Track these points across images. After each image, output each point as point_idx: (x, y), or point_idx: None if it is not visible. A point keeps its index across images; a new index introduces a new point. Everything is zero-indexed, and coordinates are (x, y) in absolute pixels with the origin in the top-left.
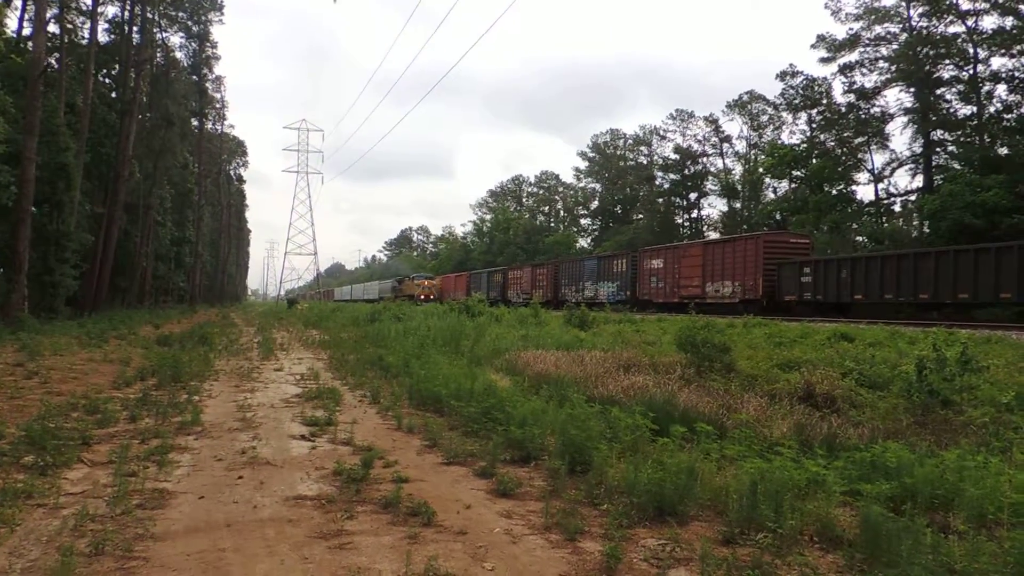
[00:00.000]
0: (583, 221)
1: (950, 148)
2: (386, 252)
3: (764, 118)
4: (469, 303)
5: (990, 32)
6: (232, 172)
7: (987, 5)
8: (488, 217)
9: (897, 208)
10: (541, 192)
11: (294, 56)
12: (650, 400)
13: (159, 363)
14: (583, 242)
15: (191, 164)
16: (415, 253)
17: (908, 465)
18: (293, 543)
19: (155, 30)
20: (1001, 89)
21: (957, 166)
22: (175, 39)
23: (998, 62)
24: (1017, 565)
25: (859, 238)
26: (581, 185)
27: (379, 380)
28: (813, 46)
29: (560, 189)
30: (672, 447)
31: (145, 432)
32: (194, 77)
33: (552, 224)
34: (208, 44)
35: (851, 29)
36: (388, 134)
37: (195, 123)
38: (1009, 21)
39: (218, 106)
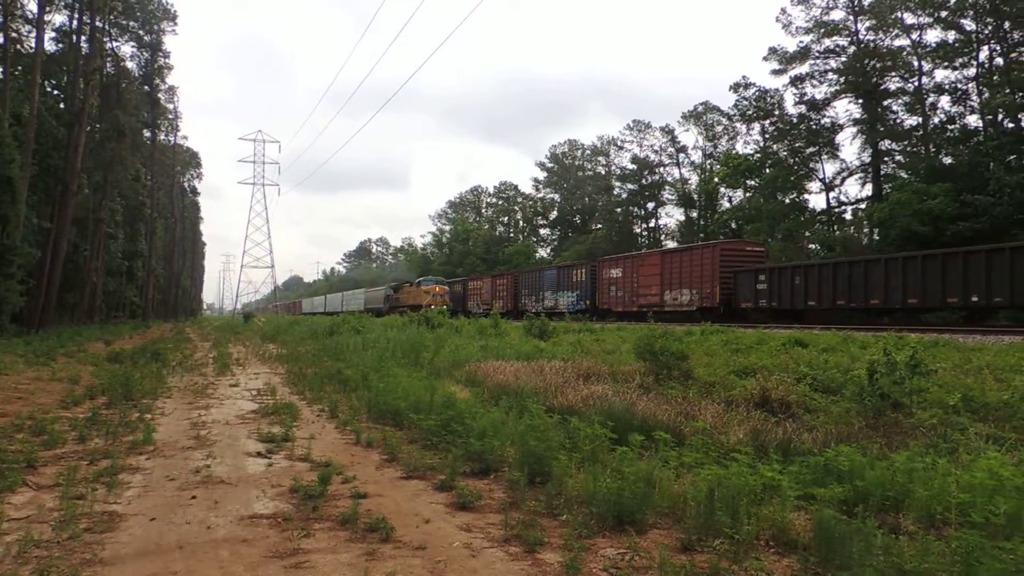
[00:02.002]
0: (542, 231)
1: (897, 158)
2: (345, 264)
3: (719, 128)
4: (429, 314)
5: (934, 46)
6: (186, 184)
7: (930, 20)
8: (447, 228)
9: (848, 216)
10: (500, 203)
11: (249, 67)
12: (609, 409)
13: (109, 381)
14: (542, 252)
15: (143, 176)
16: (374, 265)
17: (860, 468)
18: (248, 564)
19: (105, 39)
20: (944, 100)
21: (904, 175)
22: (126, 49)
23: (941, 74)
24: (964, 564)
25: (812, 245)
26: (540, 195)
27: (338, 394)
28: (765, 58)
29: (519, 199)
30: (631, 456)
31: (94, 453)
32: (146, 87)
33: (511, 234)
34: (160, 54)
35: (801, 42)
36: (344, 145)
37: (147, 134)
38: (951, 35)
39: (171, 117)
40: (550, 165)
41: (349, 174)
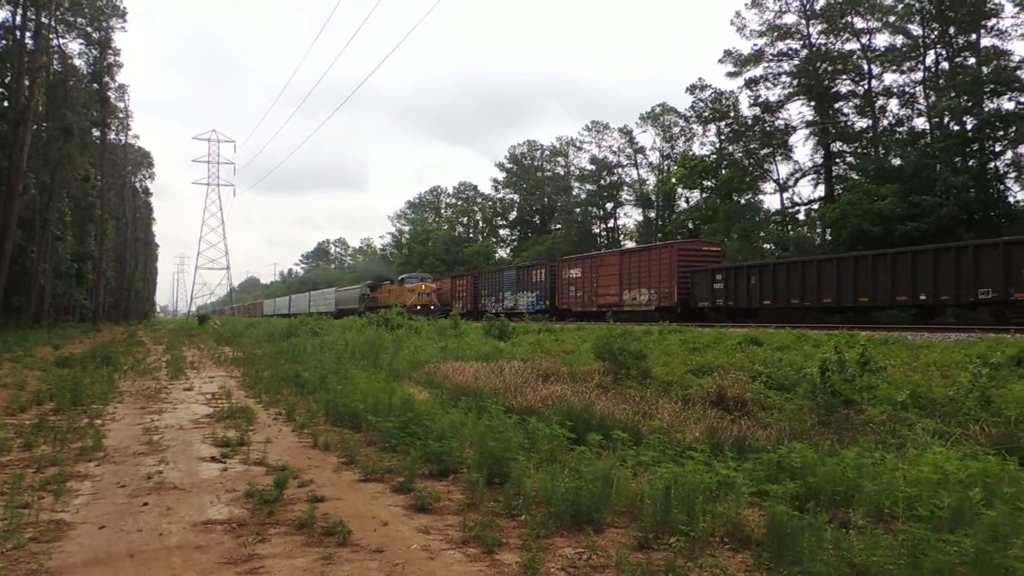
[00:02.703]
0: (502, 231)
1: (848, 159)
2: (303, 265)
3: (676, 130)
4: (388, 315)
5: (882, 50)
6: (138, 185)
7: (879, 24)
8: (407, 228)
9: (801, 216)
10: (459, 203)
11: (201, 66)
12: (568, 409)
13: (58, 386)
14: (502, 252)
15: (93, 176)
16: (332, 266)
17: (812, 464)
18: (201, 570)
19: (51, 36)
20: (893, 103)
21: (855, 176)
22: (74, 46)
23: (890, 78)
24: (910, 556)
25: (767, 245)
26: (499, 196)
27: (295, 397)
28: (721, 61)
29: (478, 200)
30: (589, 455)
31: (41, 460)
32: (95, 85)
33: (471, 235)
34: (110, 51)
35: (756, 45)
36: (301, 146)
37: (96, 133)
38: (899, 40)
39: (122, 116)
40: (509, 166)
41: (306, 175)
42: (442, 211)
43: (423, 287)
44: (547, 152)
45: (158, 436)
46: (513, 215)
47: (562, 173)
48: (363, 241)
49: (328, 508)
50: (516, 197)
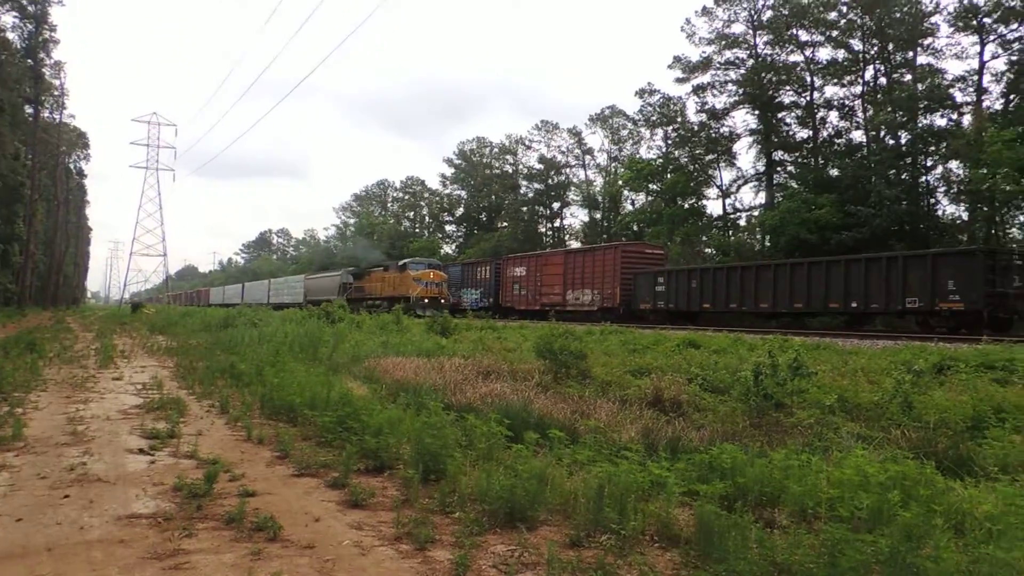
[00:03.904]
0: (448, 227)
1: (789, 168)
2: (243, 255)
3: (624, 133)
4: (329, 308)
5: (824, 63)
6: (72, 165)
7: (822, 38)
8: (352, 221)
9: (742, 222)
10: (406, 197)
11: (145, 46)
12: (507, 407)
13: None
14: (448, 248)
15: (23, 155)
16: (275, 256)
17: (741, 465)
18: (123, 566)
19: None
20: (833, 116)
21: (795, 185)
22: (7, 19)
23: (831, 91)
24: (830, 555)
25: (708, 250)
26: (447, 191)
27: (230, 389)
28: (670, 66)
29: (426, 195)
30: (526, 454)
31: None
32: (29, 61)
33: (417, 230)
34: (46, 26)
35: (704, 53)
36: (245, 134)
37: (29, 111)
38: (841, 54)
39: (57, 94)
40: (458, 162)
41: (249, 163)
42: (388, 204)
43: (432, 276)
44: (496, 150)
45: (83, 426)
46: (460, 211)
47: (510, 171)
48: (307, 232)
49: (259, 503)
50: (463, 193)
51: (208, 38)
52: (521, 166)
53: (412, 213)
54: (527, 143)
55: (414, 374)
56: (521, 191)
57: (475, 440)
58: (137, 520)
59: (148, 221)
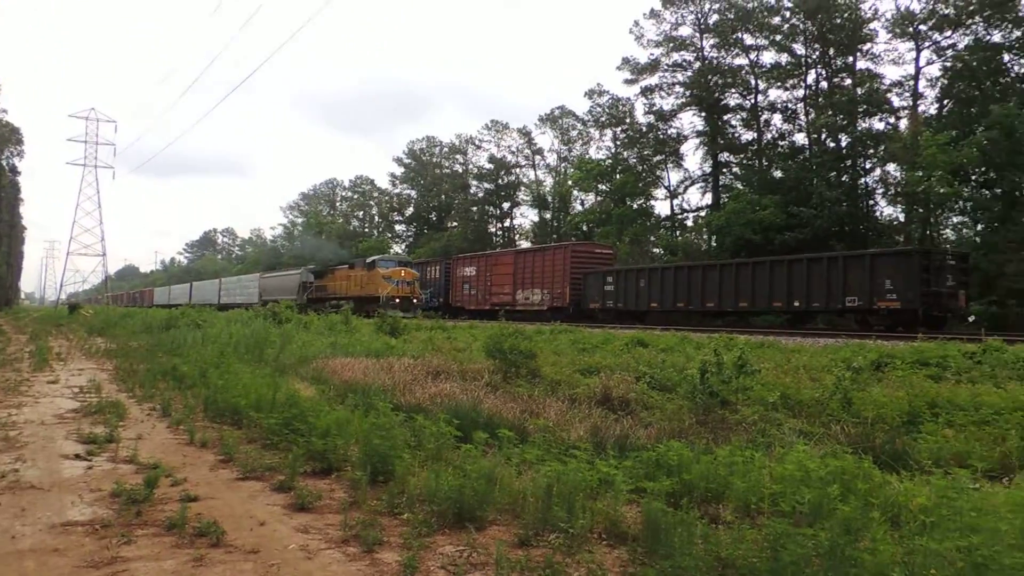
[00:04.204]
0: (397, 227)
1: (734, 169)
2: (187, 254)
3: (574, 133)
4: (276, 309)
5: (768, 66)
6: (4, 162)
7: (767, 42)
8: (300, 220)
9: (689, 223)
10: (356, 196)
11: (85, 41)
12: (456, 407)
13: None
14: (397, 248)
15: None
16: (220, 256)
17: (687, 462)
18: (57, 575)
19: None
20: (777, 118)
21: (740, 186)
22: None
23: (775, 94)
24: (772, 549)
25: (656, 250)
26: (396, 191)
27: (172, 392)
28: (619, 68)
29: (375, 194)
30: (475, 453)
31: None
32: None
33: (366, 229)
34: None
35: (652, 55)
36: (188, 131)
37: None
38: (784, 58)
39: None
40: (407, 161)
41: (193, 161)
42: (337, 204)
43: (403, 274)
44: (446, 149)
45: (16, 432)
46: (410, 211)
47: (460, 171)
48: (253, 231)
49: (202, 508)
50: (413, 193)
51: (151, 33)
52: (471, 166)
53: (361, 212)
54: (477, 143)
55: (363, 375)
56: (471, 191)
57: (424, 440)
58: (73, 528)
59: (86, 220)
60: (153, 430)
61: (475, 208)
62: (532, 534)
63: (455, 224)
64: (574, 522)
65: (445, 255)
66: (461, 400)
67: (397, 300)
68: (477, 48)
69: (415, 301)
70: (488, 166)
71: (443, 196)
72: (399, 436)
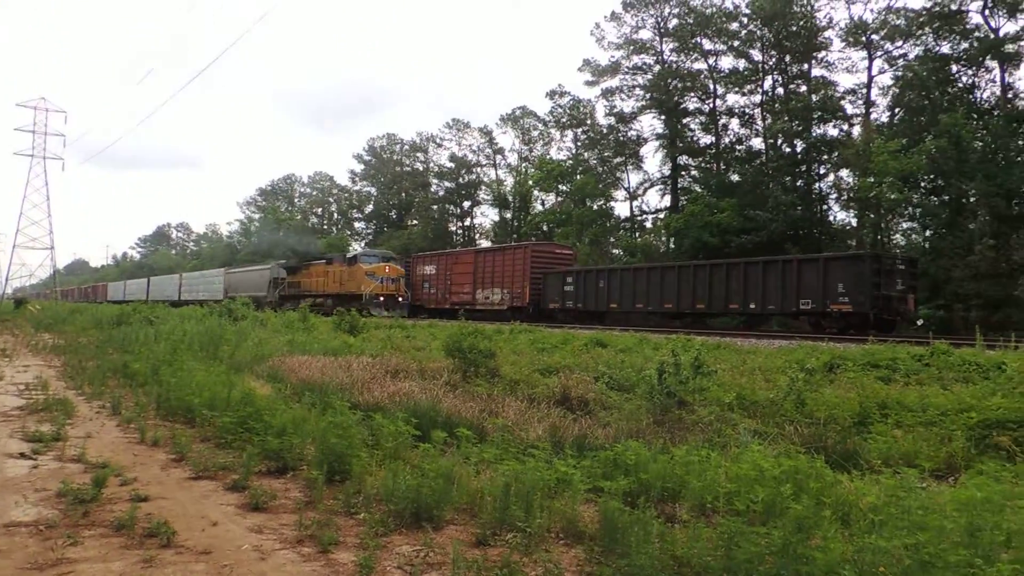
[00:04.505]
0: (357, 224)
1: (693, 172)
2: (139, 249)
3: (535, 133)
4: (232, 306)
5: (727, 72)
6: None
7: (725, 48)
8: (257, 216)
9: (648, 224)
10: (314, 193)
11: (36, 30)
12: (415, 406)
13: None
14: (357, 246)
15: None
16: (173, 251)
17: (644, 462)
18: None
19: None
20: (734, 123)
21: (698, 189)
22: None
23: (732, 98)
24: (726, 547)
25: (616, 251)
26: (356, 188)
27: (122, 389)
28: (580, 69)
29: (334, 191)
30: (433, 453)
31: None
32: None
33: (325, 226)
34: None
35: (613, 57)
36: (141, 123)
37: None
38: (742, 64)
39: None
40: (367, 158)
41: (147, 154)
42: (295, 200)
43: (388, 270)
44: (407, 147)
45: None
46: (370, 208)
47: (421, 169)
48: (208, 227)
49: (152, 508)
50: (373, 190)
51: (108, 24)
52: (432, 164)
53: (320, 209)
54: (438, 141)
55: (320, 373)
56: (432, 189)
57: (382, 439)
58: (16, 529)
59: (34, 212)
60: (102, 428)
61: (436, 207)
62: (490, 533)
63: (415, 222)
64: (532, 521)
65: (405, 253)
66: (420, 399)
67: (381, 298)
68: (439, 46)
69: (400, 299)
70: (449, 165)
71: (403, 194)
72: (356, 435)
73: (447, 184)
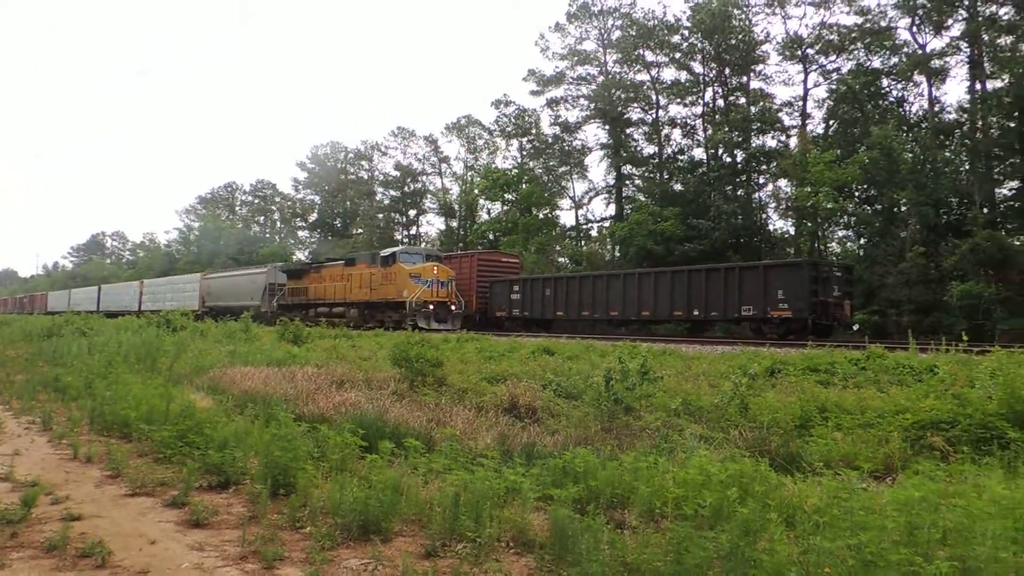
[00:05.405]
0: (301, 233)
1: (637, 181)
2: (72, 258)
3: (480, 142)
4: (170, 316)
5: (669, 83)
6: None
7: (667, 59)
8: (196, 224)
9: (594, 233)
10: (256, 201)
11: None
12: (362, 416)
13: None
14: (300, 255)
15: None
16: (108, 260)
17: (593, 469)
18: None
19: None
20: (677, 133)
21: (642, 198)
22: None
23: (675, 109)
24: (675, 552)
25: (562, 259)
26: (299, 196)
27: (53, 404)
28: (525, 79)
29: (277, 199)
30: (380, 464)
31: None
32: None
33: (268, 235)
34: None
35: (557, 67)
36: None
37: None
38: (683, 75)
39: None
40: (311, 166)
41: (79, 159)
42: (237, 208)
43: (436, 271)
44: (351, 155)
45: None
46: (314, 217)
47: (366, 177)
48: (145, 235)
49: (86, 527)
50: (317, 199)
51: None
52: (377, 172)
53: (262, 217)
54: (383, 149)
55: (264, 384)
56: (377, 197)
57: (328, 451)
58: None
59: None
60: (32, 445)
61: (381, 215)
62: (439, 544)
63: (360, 231)
64: (481, 531)
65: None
66: (367, 409)
67: (431, 307)
68: (384, 53)
69: (453, 309)
70: (394, 173)
71: (348, 202)
72: (302, 447)
73: (392, 192)
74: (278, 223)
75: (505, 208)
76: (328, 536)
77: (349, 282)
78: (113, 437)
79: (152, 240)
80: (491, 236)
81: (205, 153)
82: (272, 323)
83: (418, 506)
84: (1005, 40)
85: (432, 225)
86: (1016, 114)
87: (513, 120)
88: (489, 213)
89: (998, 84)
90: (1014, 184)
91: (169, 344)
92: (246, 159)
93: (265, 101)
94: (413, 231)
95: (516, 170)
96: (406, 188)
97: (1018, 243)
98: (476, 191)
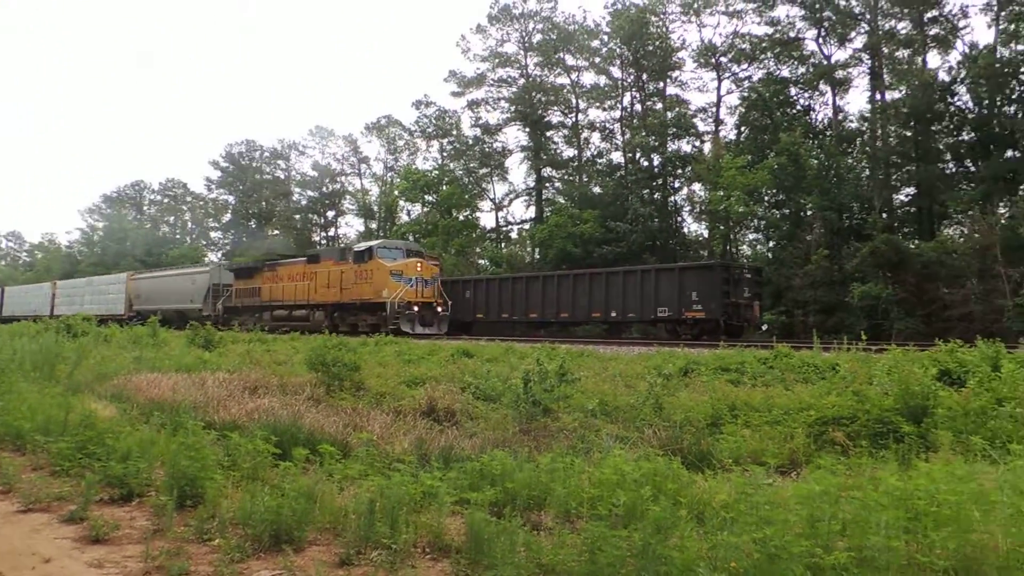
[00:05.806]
0: (213, 234)
1: (557, 184)
2: None
3: (400, 143)
4: (71, 321)
5: (588, 87)
6: None
7: (586, 64)
8: (101, 225)
9: (514, 235)
10: (166, 201)
11: None
12: (275, 423)
13: None
14: (213, 257)
15: None
16: (3, 262)
17: (511, 471)
18: None
19: None
20: (596, 137)
21: (562, 200)
22: None
23: (594, 113)
24: (590, 552)
25: (482, 261)
26: (212, 196)
27: None
28: (446, 80)
29: (188, 199)
30: (294, 471)
31: None
32: None
33: (178, 236)
34: None
35: (479, 69)
36: None
37: None
38: (603, 80)
39: None
40: (224, 164)
41: None
42: (145, 208)
43: (420, 268)
44: (267, 154)
45: None
46: (227, 217)
47: (282, 177)
48: (44, 236)
49: None
50: (231, 199)
51: None
52: (294, 172)
53: (172, 218)
54: (301, 148)
55: (171, 391)
56: (294, 198)
57: (239, 460)
58: None
59: None
60: None
61: (298, 216)
62: (354, 552)
63: (277, 232)
64: (397, 537)
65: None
66: (281, 415)
67: (416, 308)
68: (303, 49)
69: (440, 311)
70: (312, 173)
71: (264, 203)
72: (210, 456)
73: (310, 193)
74: (189, 223)
75: (425, 210)
76: (238, 548)
77: (313, 281)
78: (5, 450)
79: (52, 241)
80: (411, 238)
81: (110, 150)
82: (217, 327)
83: (333, 513)
84: (902, 53)
85: (351, 227)
86: (912, 124)
87: (434, 121)
88: (409, 215)
89: (896, 95)
90: (910, 190)
91: (69, 350)
92: (155, 156)
93: (176, 97)
94: (331, 232)
95: (436, 171)
96: (324, 188)
97: (913, 246)
98: (396, 192)
